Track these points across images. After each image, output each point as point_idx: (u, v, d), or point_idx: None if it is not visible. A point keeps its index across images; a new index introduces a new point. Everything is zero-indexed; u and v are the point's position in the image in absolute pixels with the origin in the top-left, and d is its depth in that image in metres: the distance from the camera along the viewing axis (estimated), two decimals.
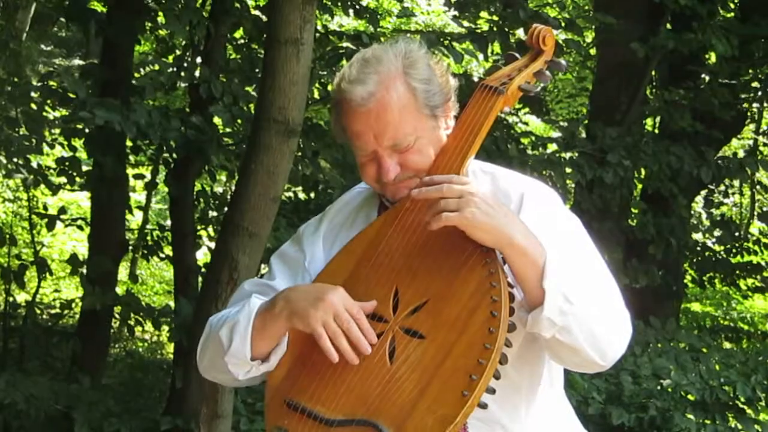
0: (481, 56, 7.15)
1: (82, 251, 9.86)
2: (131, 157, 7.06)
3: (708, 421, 6.33)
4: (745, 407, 6.49)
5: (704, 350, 7.13)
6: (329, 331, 2.21)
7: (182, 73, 6.54)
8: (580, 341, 2.21)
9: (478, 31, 6.79)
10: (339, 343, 2.21)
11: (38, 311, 7.71)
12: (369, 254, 2.36)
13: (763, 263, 9.83)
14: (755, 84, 8.96)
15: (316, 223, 2.58)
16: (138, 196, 10.96)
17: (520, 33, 6.80)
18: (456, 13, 7.93)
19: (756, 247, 9.54)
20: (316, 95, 6.86)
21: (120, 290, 7.68)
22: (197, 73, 6.14)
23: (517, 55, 2.54)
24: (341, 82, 2.38)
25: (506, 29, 6.51)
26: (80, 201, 11.79)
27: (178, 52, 7.18)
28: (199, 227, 6.88)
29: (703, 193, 10.07)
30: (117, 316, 7.23)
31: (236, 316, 2.34)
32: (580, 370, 2.38)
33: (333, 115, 2.45)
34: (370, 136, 2.34)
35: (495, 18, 7.01)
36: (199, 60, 6.51)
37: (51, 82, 6.42)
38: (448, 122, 2.44)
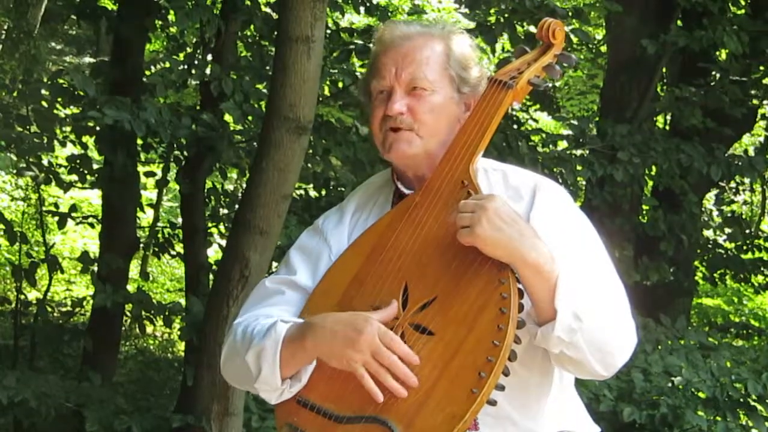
0: (490, 51, 7.12)
1: (93, 249, 9.88)
2: (142, 155, 7.07)
3: (719, 419, 6.32)
4: (757, 404, 6.47)
5: (715, 343, 7.11)
6: (372, 370, 2.17)
7: (193, 71, 6.54)
8: (587, 356, 2.21)
9: (486, 23, 6.77)
10: (384, 381, 2.17)
11: (49, 309, 7.71)
12: (379, 249, 2.35)
13: None
14: (766, 81, 8.93)
15: (338, 214, 2.55)
16: (149, 194, 10.97)
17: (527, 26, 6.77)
18: (467, 10, 7.91)
19: (767, 244, 9.51)
20: (327, 93, 6.85)
21: (131, 288, 7.69)
22: (208, 71, 6.14)
23: (527, 48, 2.54)
24: (384, 31, 2.46)
25: (514, 21, 6.50)
26: (91, 199, 11.81)
27: (188, 50, 7.18)
28: (210, 225, 6.88)
29: (714, 190, 10.05)
30: (128, 313, 7.23)
31: (262, 341, 2.30)
32: (581, 377, 2.38)
33: (362, 77, 2.51)
34: (392, 68, 2.39)
35: (505, 7, 6.96)
36: (209, 57, 6.52)
37: (61, 80, 6.43)
38: (466, 113, 2.44)
